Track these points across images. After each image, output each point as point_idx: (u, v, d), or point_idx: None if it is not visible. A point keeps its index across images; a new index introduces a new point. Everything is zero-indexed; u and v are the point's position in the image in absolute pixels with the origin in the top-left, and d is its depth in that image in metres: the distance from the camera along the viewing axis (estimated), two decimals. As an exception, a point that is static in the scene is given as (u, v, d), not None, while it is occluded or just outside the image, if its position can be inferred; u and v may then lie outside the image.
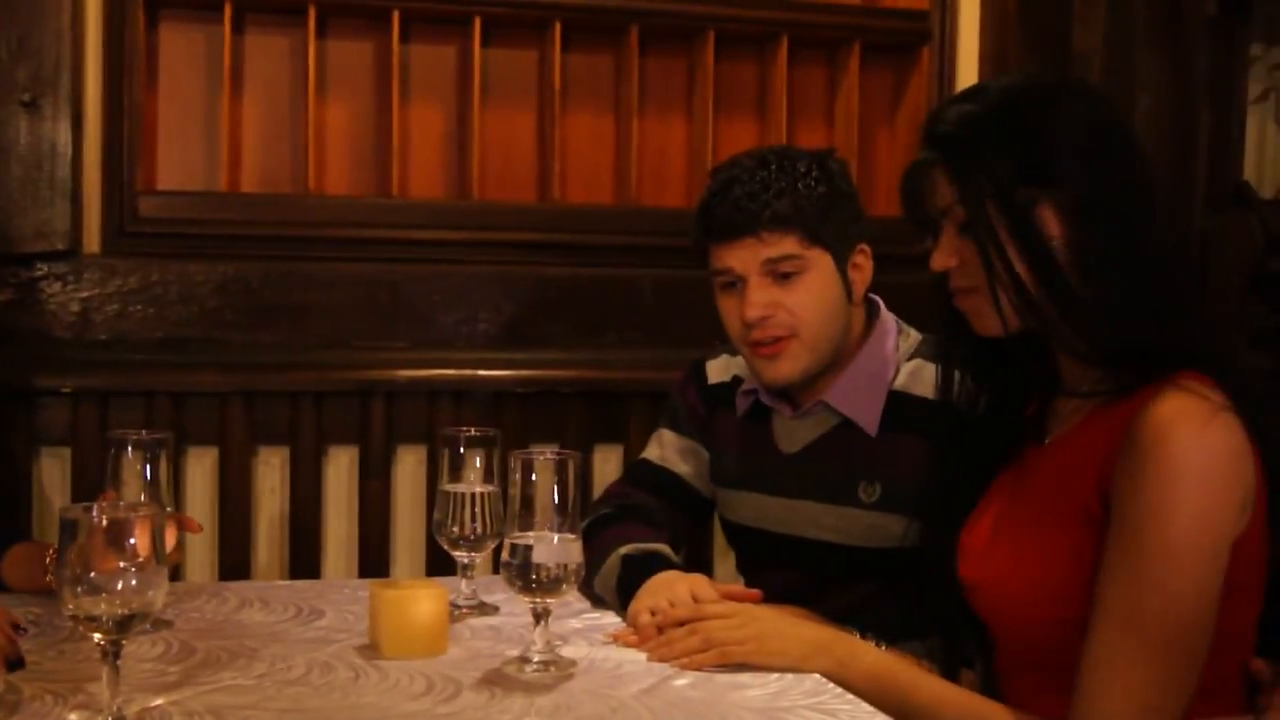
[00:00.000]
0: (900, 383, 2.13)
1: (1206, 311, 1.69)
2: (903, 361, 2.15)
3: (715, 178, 2.14)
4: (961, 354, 1.78)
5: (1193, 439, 1.49)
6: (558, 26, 3.13)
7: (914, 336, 2.18)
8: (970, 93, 1.72)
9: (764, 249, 2.06)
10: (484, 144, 3.13)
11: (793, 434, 2.19)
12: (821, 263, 2.08)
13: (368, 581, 2.13)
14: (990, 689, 1.73)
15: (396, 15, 3.03)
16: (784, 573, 2.15)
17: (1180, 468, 1.48)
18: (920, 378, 2.11)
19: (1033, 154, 1.61)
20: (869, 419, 2.12)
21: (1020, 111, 1.64)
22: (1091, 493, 1.56)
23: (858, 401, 2.13)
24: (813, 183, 2.07)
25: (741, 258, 2.08)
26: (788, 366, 2.10)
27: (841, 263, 2.10)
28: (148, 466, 1.87)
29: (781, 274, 2.07)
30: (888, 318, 2.19)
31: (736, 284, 2.10)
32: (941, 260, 1.68)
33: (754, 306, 2.07)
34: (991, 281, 1.62)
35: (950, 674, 1.78)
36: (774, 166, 2.08)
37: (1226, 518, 1.50)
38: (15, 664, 1.55)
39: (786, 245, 2.06)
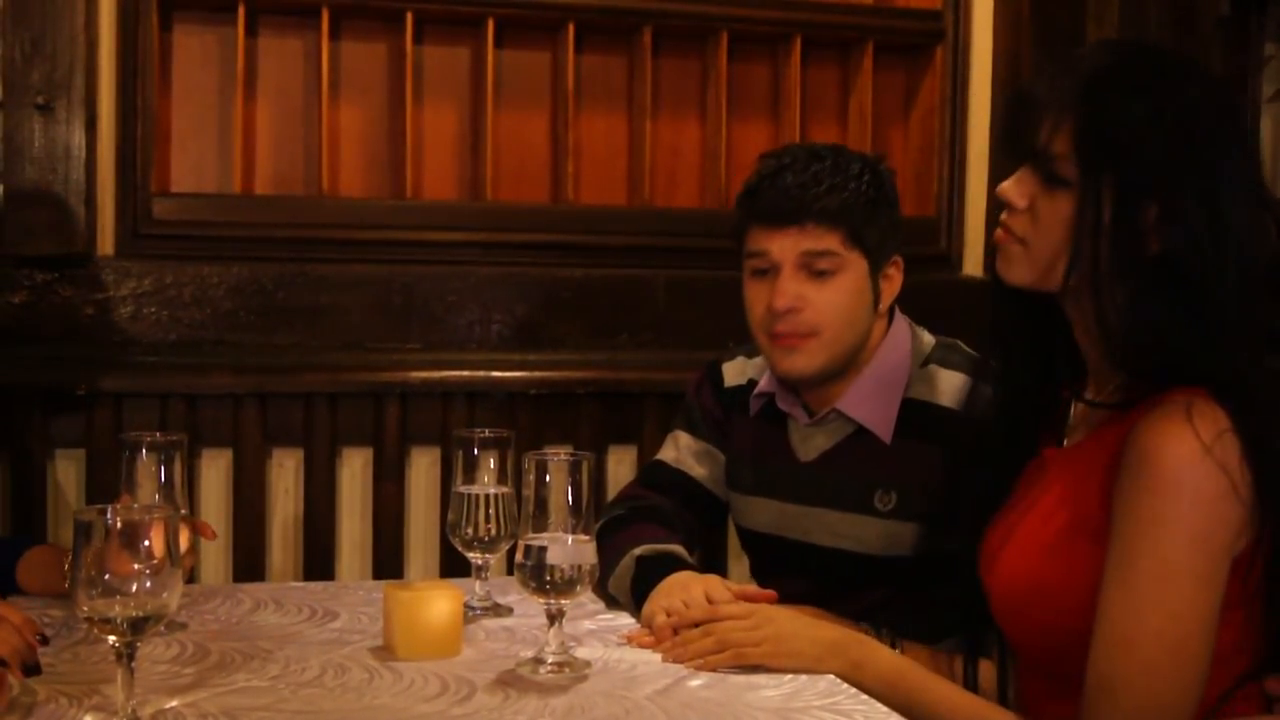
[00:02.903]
0: (915, 390, 2.12)
1: (1240, 329, 1.57)
2: (917, 368, 2.14)
3: (765, 162, 2.12)
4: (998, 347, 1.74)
5: (1185, 457, 1.46)
6: (571, 28, 3.14)
7: (928, 340, 2.17)
8: (1123, 56, 1.59)
9: (806, 240, 2.05)
10: (497, 145, 3.14)
11: (808, 441, 2.18)
12: (856, 266, 2.07)
13: (382, 583, 2.13)
14: (1011, 688, 1.73)
15: (410, 17, 3.04)
16: (798, 580, 2.13)
17: (1173, 485, 1.46)
18: (935, 385, 2.10)
19: (1172, 154, 1.53)
20: (883, 427, 2.11)
21: (1176, 103, 1.54)
22: (1097, 503, 1.55)
23: (872, 409, 2.12)
24: (864, 185, 2.06)
25: (782, 245, 2.06)
26: (804, 361, 2.08)
27: (875, 270, 2.09)
28: (162, 468, 1.87)
29: (817, 270, 2.05)
30: (902, 322, 2.18)
31: (769, 271, 2.08)
32: (1014, 196, 1.59)
33: (784, 296, 2.05)
34: (1058, 247, 1.54)
35: (975, 672, 1.78)
36: (828, 161, 2.07)
37: (1223, 538, 1.48)
38: (32, 670, 1.56)
39: (828, 241, 2.05)
